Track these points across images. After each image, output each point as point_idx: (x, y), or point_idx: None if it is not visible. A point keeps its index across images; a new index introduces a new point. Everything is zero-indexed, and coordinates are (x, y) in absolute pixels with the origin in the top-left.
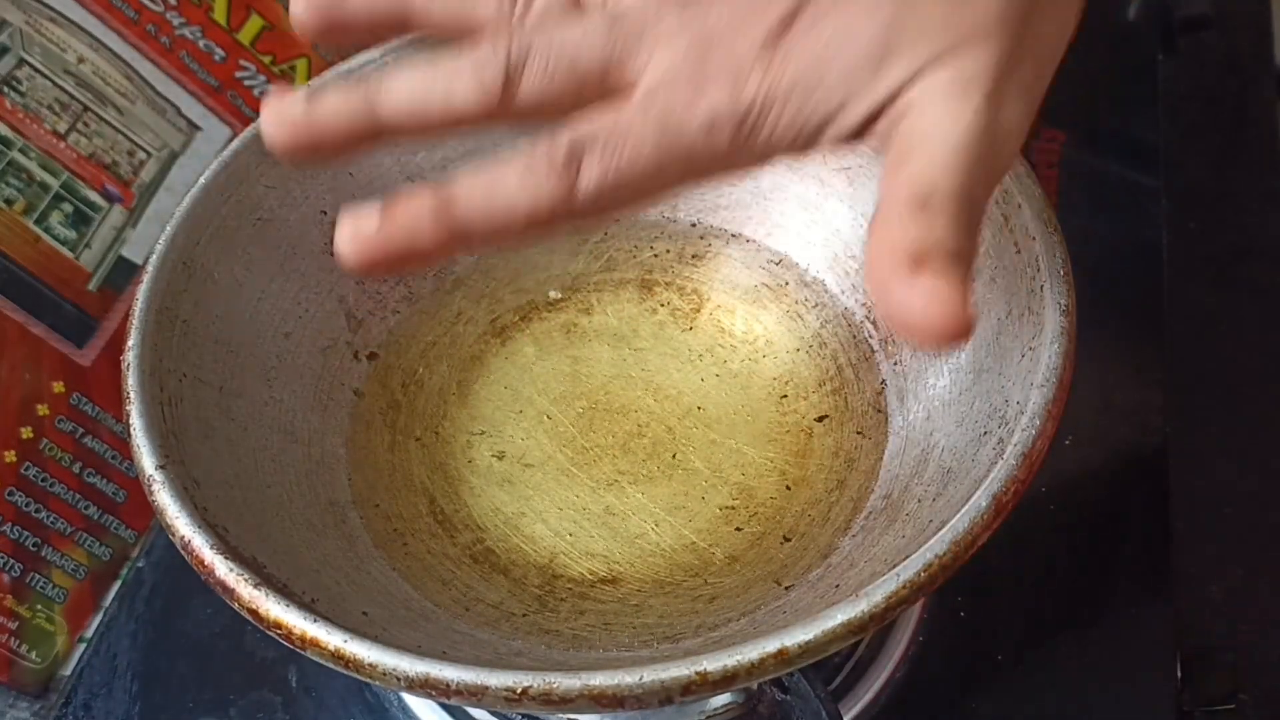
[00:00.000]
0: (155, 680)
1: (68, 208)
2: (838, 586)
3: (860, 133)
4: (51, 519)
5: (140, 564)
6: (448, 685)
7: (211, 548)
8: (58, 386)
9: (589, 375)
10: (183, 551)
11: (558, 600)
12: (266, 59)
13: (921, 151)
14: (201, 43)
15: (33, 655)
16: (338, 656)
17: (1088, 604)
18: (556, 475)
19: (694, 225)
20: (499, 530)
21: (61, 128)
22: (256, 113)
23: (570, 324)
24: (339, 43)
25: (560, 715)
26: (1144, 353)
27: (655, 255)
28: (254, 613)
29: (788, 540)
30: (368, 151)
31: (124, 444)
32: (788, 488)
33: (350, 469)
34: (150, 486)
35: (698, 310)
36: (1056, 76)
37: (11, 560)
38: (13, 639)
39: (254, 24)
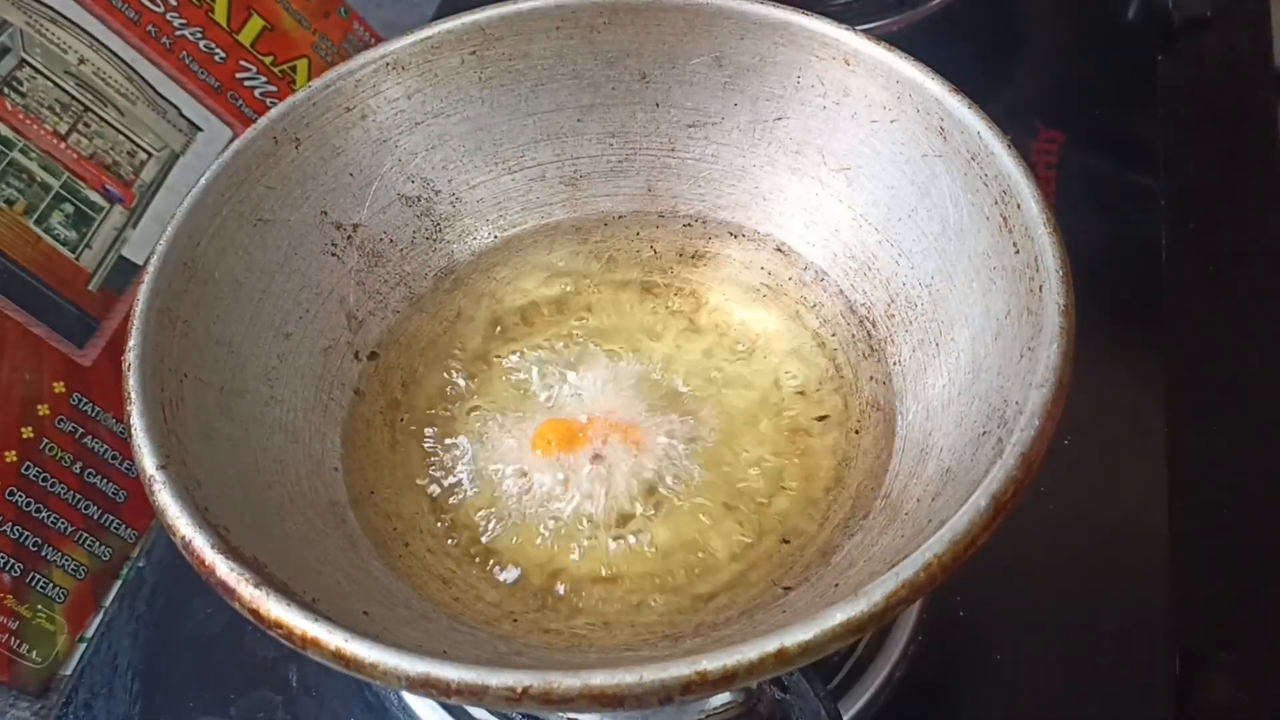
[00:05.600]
0: (156, 680)
1: (68, 208)
2: (837, 586)
3: None
4: (52, 519)
5: (140, 564)
6: (448, 685)
7: (212, 548)
8: (58, 387)
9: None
10: (183, 551)
11: (558, 599)
12: (267, 59)
13: None
14: (202, 43)
15: (33, 655)
16: (338, 656)
17: (1087, 604)
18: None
19: (694, 225)
20: (499, 530)
21: (62, 128)
22: (257, 113)
23: (570, 324)
24: None
25: (560, 715)
26: (1144, 353)
27: (655, 255)
28: (255, 613)
29: (787, 540)
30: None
31: (124, 444)
32: (787, 488)
33: (350, 469)
34: (151, 486)
35: (698, 310)
36: (1056, 76)
37: (12, 560)
38: (13, 639)
39: (254, 25)
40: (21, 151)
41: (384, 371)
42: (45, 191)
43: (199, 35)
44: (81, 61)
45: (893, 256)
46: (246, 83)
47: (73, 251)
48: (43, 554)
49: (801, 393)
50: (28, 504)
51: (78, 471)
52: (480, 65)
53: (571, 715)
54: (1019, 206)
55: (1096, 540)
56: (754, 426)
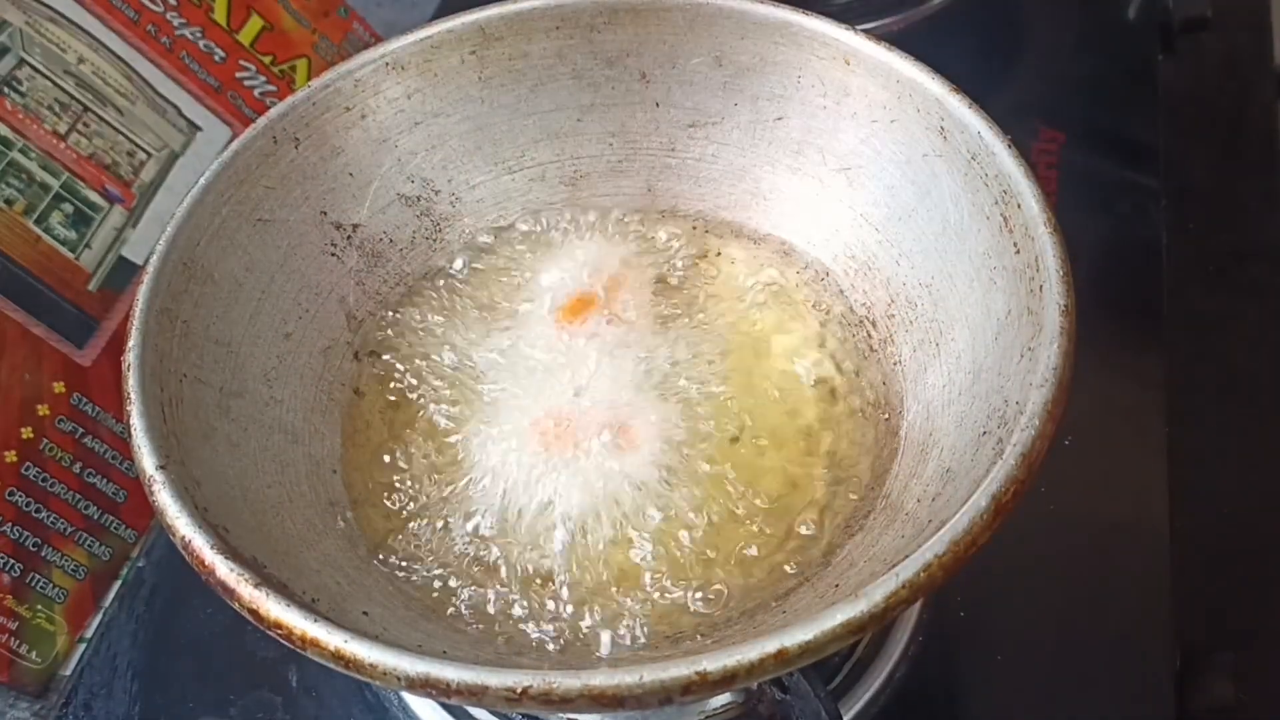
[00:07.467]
0: (155, 680)
1: (68, 208)
2: (837, 586)
3: None
4: (52, 519)
5: (140, 564)
6: (448, 685)
7: (212, 548)
8: (58, 387)
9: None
10: (183, 552)
11: (558, 598)
12: (267, 59)
13: None
14: (202, 43)
15: (33, 655)
16: (338, 656)
17: (1087, 604)
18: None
19: (695, 226)
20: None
21: (62, 128)
22: (257, 113)
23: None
24: None
25: (560, 715)
26: (1144, 353)
27: (655, 255)
28: (254, 613)
29: (788, 540)
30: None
31: (124, 444)
32: (788, 487)
33: (350, 469)
34: (151, 487)
35: (698, 310)
36: (1056, 76)
37: (11, 560)
38: (13, 639)
39: (254, 24)
40: (21, 151)
41: (384, 371)
42: (45, 191)
43: (199, 35)
44: (81, 61)
45: (893, 256)
46: (246, 82)
47: (73, 251)
48: (43, 554)
49: (802, 393)
50: (28, 504)
51: (78, 471)
52: (480, 65)
53: (571, 715)
54: (1019, 206)
55: (1096, 540)
56: (753, 425)
